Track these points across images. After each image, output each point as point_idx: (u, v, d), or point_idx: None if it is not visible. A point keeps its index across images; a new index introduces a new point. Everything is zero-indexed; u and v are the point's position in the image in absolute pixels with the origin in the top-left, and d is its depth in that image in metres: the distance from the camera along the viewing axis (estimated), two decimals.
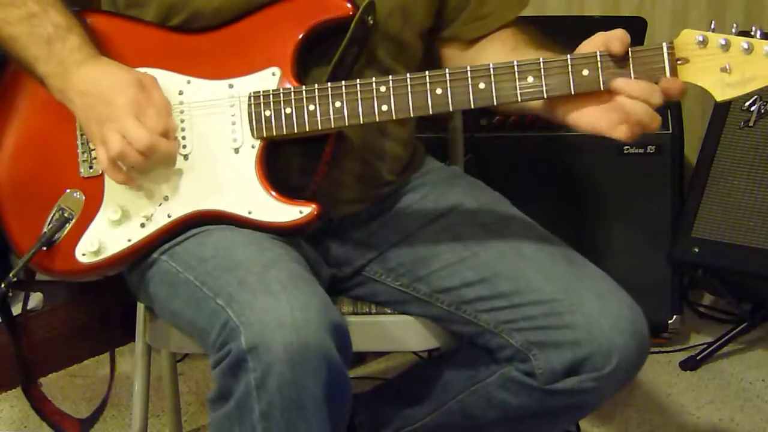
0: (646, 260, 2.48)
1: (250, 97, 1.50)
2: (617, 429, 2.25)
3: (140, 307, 1.81)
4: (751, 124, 2.42)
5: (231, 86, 1.52)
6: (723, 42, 1.35)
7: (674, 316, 2.51)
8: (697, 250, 2.41)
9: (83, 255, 1.52)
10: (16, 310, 1.74)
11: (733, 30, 1.38)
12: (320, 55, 1.53)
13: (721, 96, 1.37)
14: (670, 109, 2.48)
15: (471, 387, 1.60)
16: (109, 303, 1.66)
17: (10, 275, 1.53)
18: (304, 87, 1.48)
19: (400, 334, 1.69)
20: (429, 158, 1.79)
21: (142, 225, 1.51)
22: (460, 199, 1.68)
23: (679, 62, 1.37)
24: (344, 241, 1.67)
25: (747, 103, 2.42)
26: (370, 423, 1.73)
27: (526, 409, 1.56)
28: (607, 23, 2.64)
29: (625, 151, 2.46)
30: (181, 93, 1.53)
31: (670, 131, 2.47)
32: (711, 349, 2.52)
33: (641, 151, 2.47)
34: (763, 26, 1.43)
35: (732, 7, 2.72)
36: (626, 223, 2.49)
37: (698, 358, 2.51)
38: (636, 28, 2.53)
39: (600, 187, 2.48)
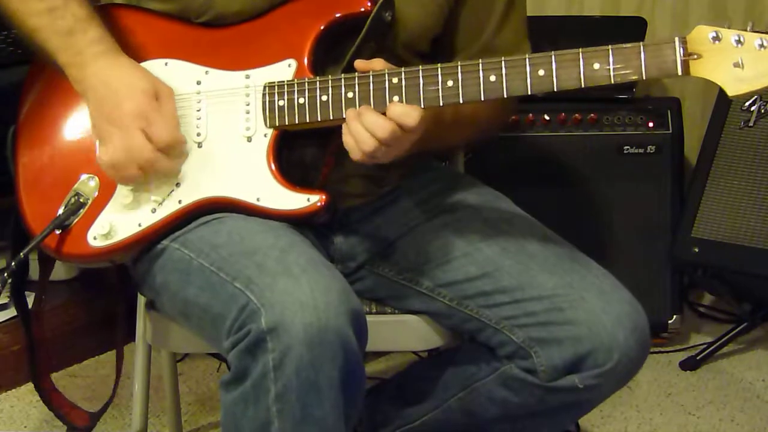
0: (646, 260, 2.48)
1: (264, 87, 1.52)
2: (617, 429, 2.25)
3: (140, 307, 1.81)
4: (751, 124, 2.42)
5: (248, 77, 1.54)
6: (737, 38, 1.34)
7: (674, 316, 2.51)
8: (697, 250, 2.41)
9: (94, 239, 1.54)
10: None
11: (749, 28, 1.36)
12: (338, 53, 1.54)
13: (733, 91, 1.35)
14: (671, 109, 2.49)
15: (471, 385, 1.60)
16: (109, 303, 1.66)
17: (20, 254, 1.56)
18: (317, 78, 1.49)
19: (400, 334, 1.69)
20: (432, 159, 1.80)
21: (153, 210, 1.53)
22: (464, 195, 1.69)
23: (692, 57, 1.35)
24: (349, 236, 1.67)
25: (747, 103, 2.42)
26: (370, 422, 1.73)
27: (527, 406, 1.56)
28: (607, 23, 2.67)
29: (625, 151, 2.46)
30: (199, 83, 1.55)
31: (670, 131, 2.47)
32: (711, 349, 2.52)
33: (641, 151, 2.47)
34: (763, 26, 1.42)
35: (732, 7, 2.71)
36: (626, 223, 2.49)
37: (698, 358, 2.51)
38: (636, 28, 2.54)
39: (600, 187, 2.48)
